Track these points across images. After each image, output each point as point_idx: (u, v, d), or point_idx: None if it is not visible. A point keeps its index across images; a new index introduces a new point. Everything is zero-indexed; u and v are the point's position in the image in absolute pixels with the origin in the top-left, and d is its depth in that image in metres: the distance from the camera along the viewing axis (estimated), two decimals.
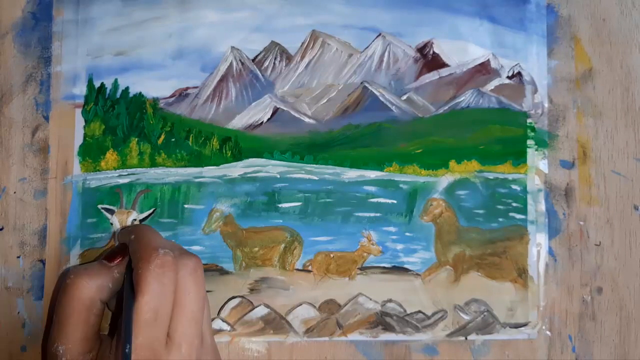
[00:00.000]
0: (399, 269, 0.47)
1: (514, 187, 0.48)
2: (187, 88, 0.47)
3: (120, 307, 0.36)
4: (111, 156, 0.46)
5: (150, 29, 0.47)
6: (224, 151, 0.47)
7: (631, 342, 0.48)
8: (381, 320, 0.46)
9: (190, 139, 0.47)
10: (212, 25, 0.47)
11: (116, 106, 0.46)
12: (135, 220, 0.45)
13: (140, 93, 0.47)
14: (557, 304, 0.48)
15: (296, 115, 0.48)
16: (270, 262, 0.46)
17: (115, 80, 0.46)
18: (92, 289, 0.36)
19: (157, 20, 0.47)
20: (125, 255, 0.38)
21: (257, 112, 0.48)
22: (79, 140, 0.46)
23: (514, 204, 0.48)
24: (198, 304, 0.36)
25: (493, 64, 0.49)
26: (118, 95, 0.46)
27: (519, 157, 0.48)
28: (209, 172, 0.47)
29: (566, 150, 0.49)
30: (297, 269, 0.47)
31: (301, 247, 0.47)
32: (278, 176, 0.47)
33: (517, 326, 0.47)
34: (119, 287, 0.38)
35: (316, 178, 0.47)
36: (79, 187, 0.45)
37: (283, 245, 0.46)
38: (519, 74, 0.49)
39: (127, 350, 0.32)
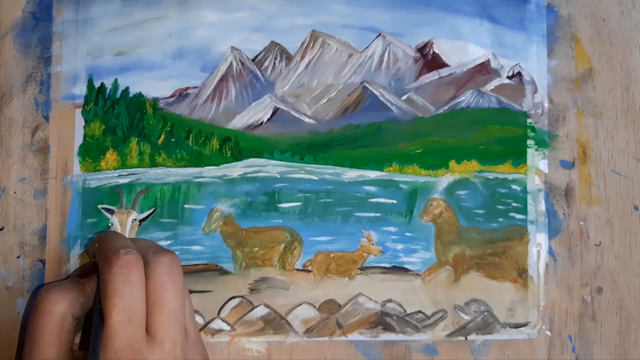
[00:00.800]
0: (399, 269, 0.47)
1: (514, 187, 0.48)
2: (187, 88, 0.47)
3: (91, 324, 0.35)
4: (111, 156, 0.46)
5: (150, 29, 0.47)
6: (224, 151, 0.47)
7: (631, 342, 0.48)
8: (381, 320, 0.46)
9: (190, 139, 0.47)
10: (212, 25, 0.47)
11: (116, 106, 0.46)
12: (135, 220, 0.45)
13: (140, 93, 0.47)
14: (557, 304, 0.48)
15: (296, 115, 0.48)
16: (270, 262, 0.46)
17: (115, 80, 0.46)
18: (63, 303, 0.35)
19: (157, 20, 0.47)
20: (97, 271, 0.37)
21: (257, 112, 0.48)
22: (79, 140, 0.46)
23: (514, 204, 0.48)
24: (177, 301, 0.36)
25: (493, 64, 0.49)
26: (118, 95, 0.46)
27: (519, 157, 0.48)
28: (209, 172, 0.47)
29: (566, 150, 0.49)
30: (297, 269, 0.47)
31: (301, 247, 0.47)
32: (278, 176, 0.47)
33: (517, 326, 0.47)
34: (91, 303, 0.37)
35: (316, 178, 0.47)
36: (79, 187, 0.45)
37: (283, 245, 0.46)
38: (519, 74, 0.49)
39: None
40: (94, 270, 0.37)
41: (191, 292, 0.45)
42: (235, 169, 0.47)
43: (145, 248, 0.36)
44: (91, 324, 0.36)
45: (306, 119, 0.48)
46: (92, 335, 0.34)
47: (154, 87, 0.47)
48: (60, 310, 0.35)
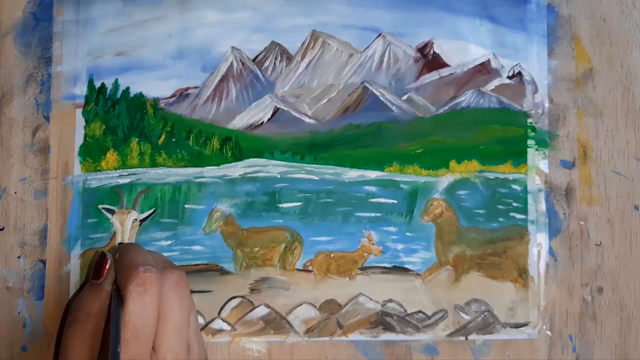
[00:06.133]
0: (399, 269, 0.47)
1: (514, 187, 0.48)
2: (188, 88, 0.47)
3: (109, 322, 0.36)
4: (112, 156, 0.46)
5: (151, 29, 0.47)
6: (224, 151, 0.47)
7: (631, 342, 0.48)
8: (382, 320, 0.46)
9: (191, 139, 0.47)
10: (213, 25, 0.47)
11: (117, 106, 0.46)
12: (135, 220, 0.45)
13: (140, 93, 0.47)
14: (558, 303, 0.48)
15: (296, 115, 0.48)
16: (271, 262, 0.46)
17: (116, 81, 0.46)
18: (96, 317, 0.36)
19: (158, 21, 0.47)
20: (107, 265, 0.37)
21: (258, 112, 0.48)
22: (79, 140, 0.46)
23: (515, 204, 0.48)
24: (182, 317, 0.37)
25: (493, 64, 0.49)
26: (118, 95, 0.46)
27: (519, 157, 0.48)
28: (210, 172, 0.47)
29: (566, 150, 0.49)
30: (298, 269, 0.47)
31: (302, 247, 0.47)
32: (278, 176, 0.47)
33: (517, 326, 0.47)
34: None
35: (317, 178, 0.47)
36: (80, 187, 0.45)
37: (283, 245, 0.46)
38: (520, 73, 0.49)
39: None
40: (103, 265, 0.38)
41: (192, 292, 0.45)
42: (235, 169, 0.47)
43: (155, 263, 0.37)
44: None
45: (307, 119, 0.48)
46: (111, 330, 0.34)
47: (154, 87, 0.47)
48: (94, 323, 0.36)
